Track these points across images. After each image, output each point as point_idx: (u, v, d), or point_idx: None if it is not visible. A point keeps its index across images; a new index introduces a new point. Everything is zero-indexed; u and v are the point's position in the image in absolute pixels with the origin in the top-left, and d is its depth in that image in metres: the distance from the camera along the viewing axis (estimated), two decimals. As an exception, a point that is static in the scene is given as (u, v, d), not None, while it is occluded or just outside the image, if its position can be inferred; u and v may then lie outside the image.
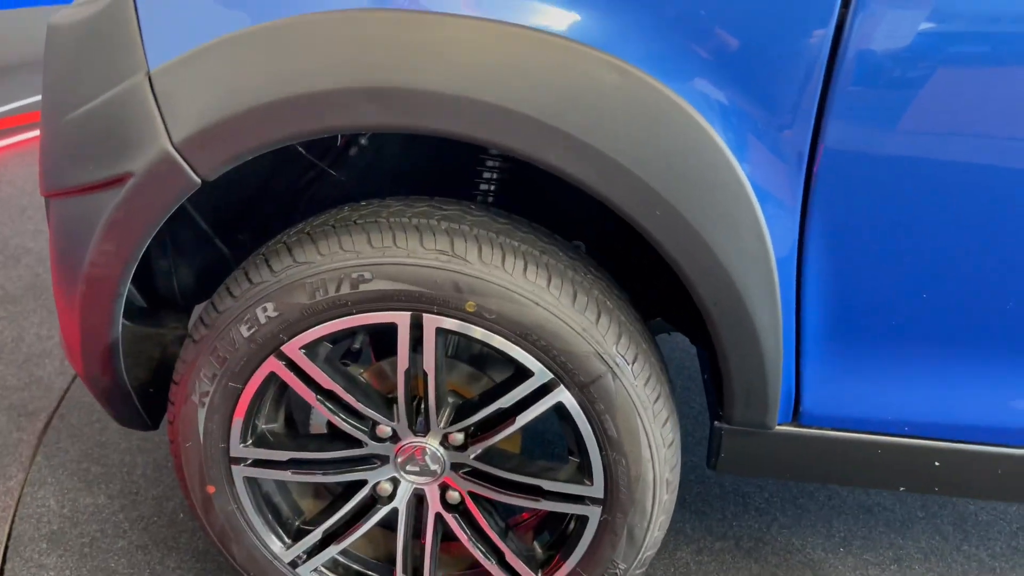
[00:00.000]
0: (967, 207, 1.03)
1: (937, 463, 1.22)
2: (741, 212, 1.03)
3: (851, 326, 1.13)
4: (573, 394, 1.16)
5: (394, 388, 1.24)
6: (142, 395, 1.38)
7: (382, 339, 1.33)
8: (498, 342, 1.14)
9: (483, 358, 1.35)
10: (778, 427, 1.21)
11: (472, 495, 1.30)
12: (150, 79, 1.05)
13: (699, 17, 0.97)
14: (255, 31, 1.01)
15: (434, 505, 1.32)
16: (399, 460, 1.28)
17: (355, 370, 1.33)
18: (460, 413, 1.26)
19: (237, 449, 1.27)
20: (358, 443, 1.28)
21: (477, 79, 0.98)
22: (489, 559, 1.34)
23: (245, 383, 1.21)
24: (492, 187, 1.36)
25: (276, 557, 1.36)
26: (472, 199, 1.37)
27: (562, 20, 0.98)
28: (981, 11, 0.95)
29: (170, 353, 1.43)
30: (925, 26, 0.95)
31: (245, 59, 1.02)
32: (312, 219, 1.22)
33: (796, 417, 1.21)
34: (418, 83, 0.98)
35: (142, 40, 1.06)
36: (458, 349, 1.34)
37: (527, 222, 1.22)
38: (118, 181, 1.09)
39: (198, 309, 1.59)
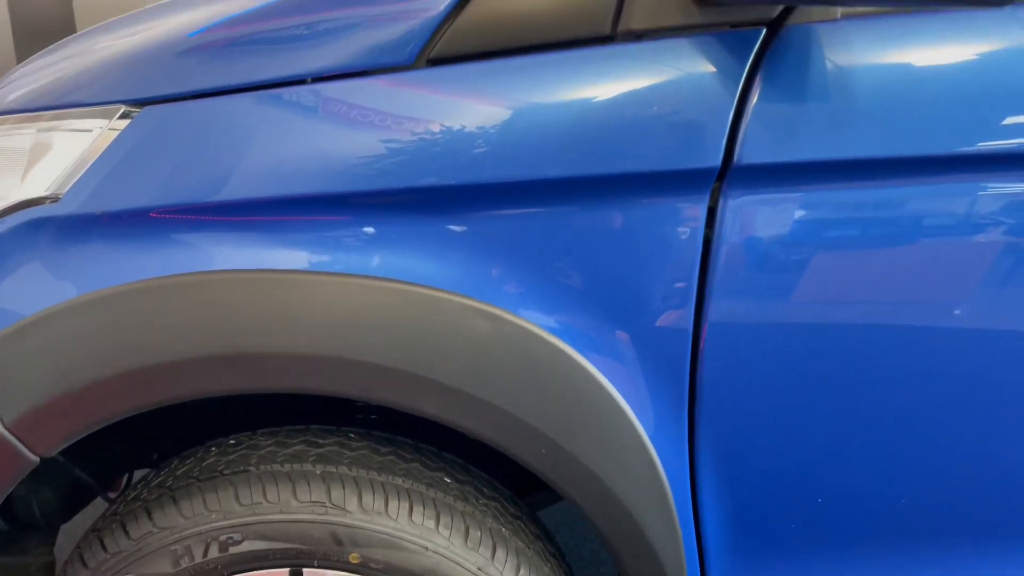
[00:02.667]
0: (849, 397, 1.03)
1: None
2: (626, 439, 1.00)
3: (751, 533, 1.10)
4: (474, 634, 1.08)
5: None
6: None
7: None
8: (388, 590, 1.06)
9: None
10: (691, 629, 1.17)
11: None
12: (-27, 355, 0.94)
13: (563, 256, 0.95)
14: (88, 300, 0.93)
15: None
16: None
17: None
18: (356, 657, 1.16)
19: None
20: None
21: (341, 337, 0.92)
22: None
23: (109, 659, 1.08)
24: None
25: None
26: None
27: (423, 270, 0.94)
28: (843, 201, 0.97)
29: (33, 589, 1.28)
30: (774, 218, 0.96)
31: (79, 330, 0.93)
32: (176, 465, 1.12)
33: (708, 619, 1.17)
34: (274, 346, 0.92)
35: (-38, 312, 0.96)
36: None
37: (412, 445, 1.15)
38: (-56, 462, 0.97)
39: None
